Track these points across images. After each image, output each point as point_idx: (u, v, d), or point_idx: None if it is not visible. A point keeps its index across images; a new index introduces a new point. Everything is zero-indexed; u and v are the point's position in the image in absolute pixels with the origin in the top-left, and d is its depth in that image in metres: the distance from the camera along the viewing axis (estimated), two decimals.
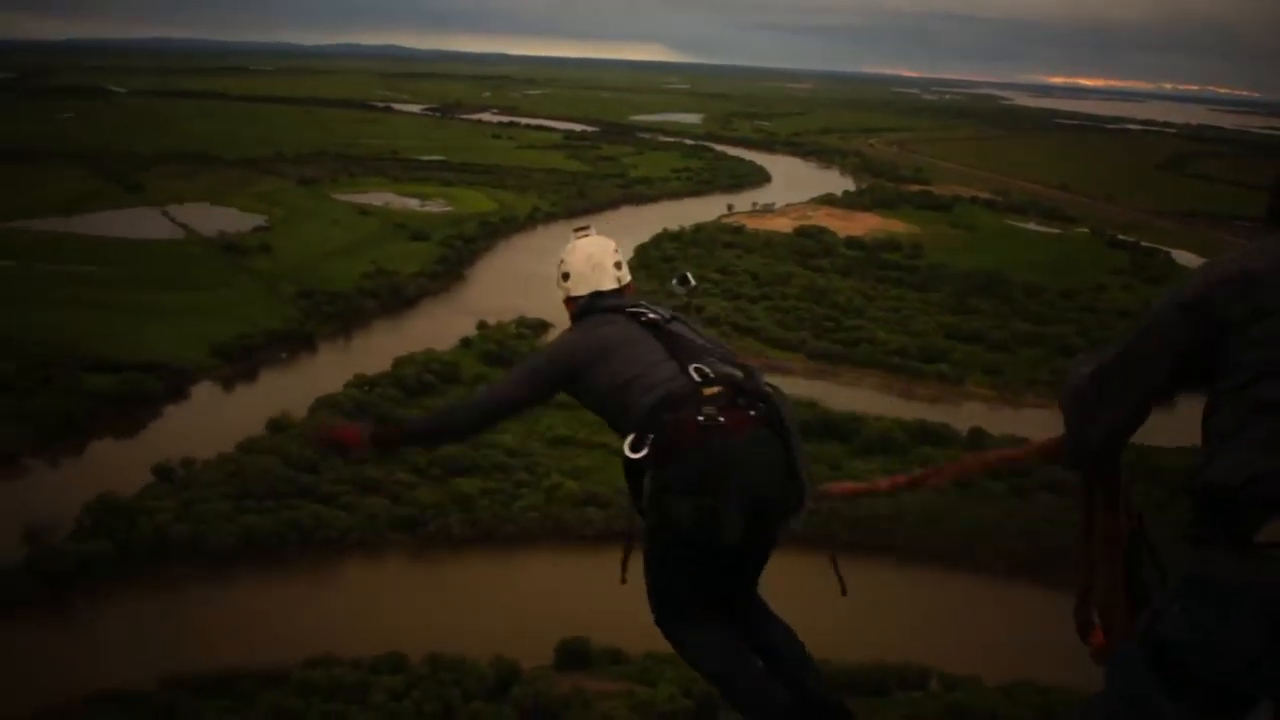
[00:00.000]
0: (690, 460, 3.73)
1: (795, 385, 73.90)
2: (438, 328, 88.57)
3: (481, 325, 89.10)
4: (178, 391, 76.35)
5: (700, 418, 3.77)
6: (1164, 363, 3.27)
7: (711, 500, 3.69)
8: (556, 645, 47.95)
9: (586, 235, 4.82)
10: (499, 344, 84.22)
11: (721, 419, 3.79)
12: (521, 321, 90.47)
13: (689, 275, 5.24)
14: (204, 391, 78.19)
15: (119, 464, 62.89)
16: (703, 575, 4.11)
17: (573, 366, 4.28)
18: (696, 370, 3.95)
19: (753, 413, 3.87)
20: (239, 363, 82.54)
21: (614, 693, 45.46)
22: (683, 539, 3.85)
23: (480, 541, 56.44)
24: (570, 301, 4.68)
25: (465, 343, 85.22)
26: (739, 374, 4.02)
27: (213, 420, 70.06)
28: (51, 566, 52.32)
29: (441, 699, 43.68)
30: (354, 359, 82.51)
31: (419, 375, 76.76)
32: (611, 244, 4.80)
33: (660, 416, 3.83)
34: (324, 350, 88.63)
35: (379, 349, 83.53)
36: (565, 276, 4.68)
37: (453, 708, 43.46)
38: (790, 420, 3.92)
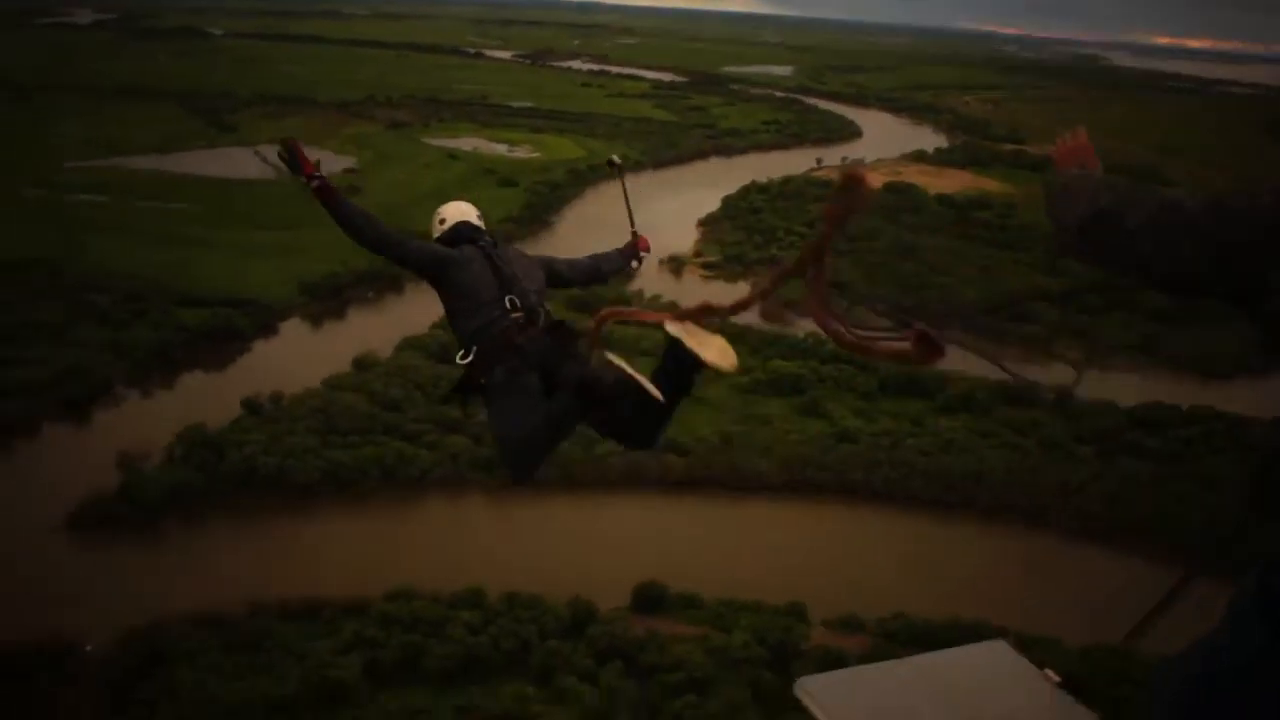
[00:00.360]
0: (502, 351, 5.96)
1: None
2: None
3: None
4: (267, 327, 77.65)
5: (506, 327, 6.04)
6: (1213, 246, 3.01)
7: (514, 365, 5.92)
8: (633, 588, 48.25)
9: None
10: (584, 290, 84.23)
11: (520, 326, 6.07)
12: None
13: (616, 158, 8.38)
14: (293, 328, 79.40)
15: (209, 396, 64.14)
16: (529, 405, 5.85)
17: (445, 264, 6.40)
18: (509, 300, 6.13)
19: (539, 323, 6.18)
20: (327, 301, 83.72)
21: (689, 636, 45.67)
22: (506, 389, 5.88)
23: (560, 484, 56.78)
24: (442, 238, 6.76)
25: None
26: (533, 298, 6.31)
27: (300, 357, 71.11)
28: (144, 494, 53.69)
29: (518, 636, 44.24)
30: (440, 301, 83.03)
31: None
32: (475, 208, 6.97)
33: (481, 336, 6.02)
34: (410, 291, 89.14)
35: None
36: (441, 221, 6.84)
37: (529, 645, 43.99)
38: (551, 321, 6.14)
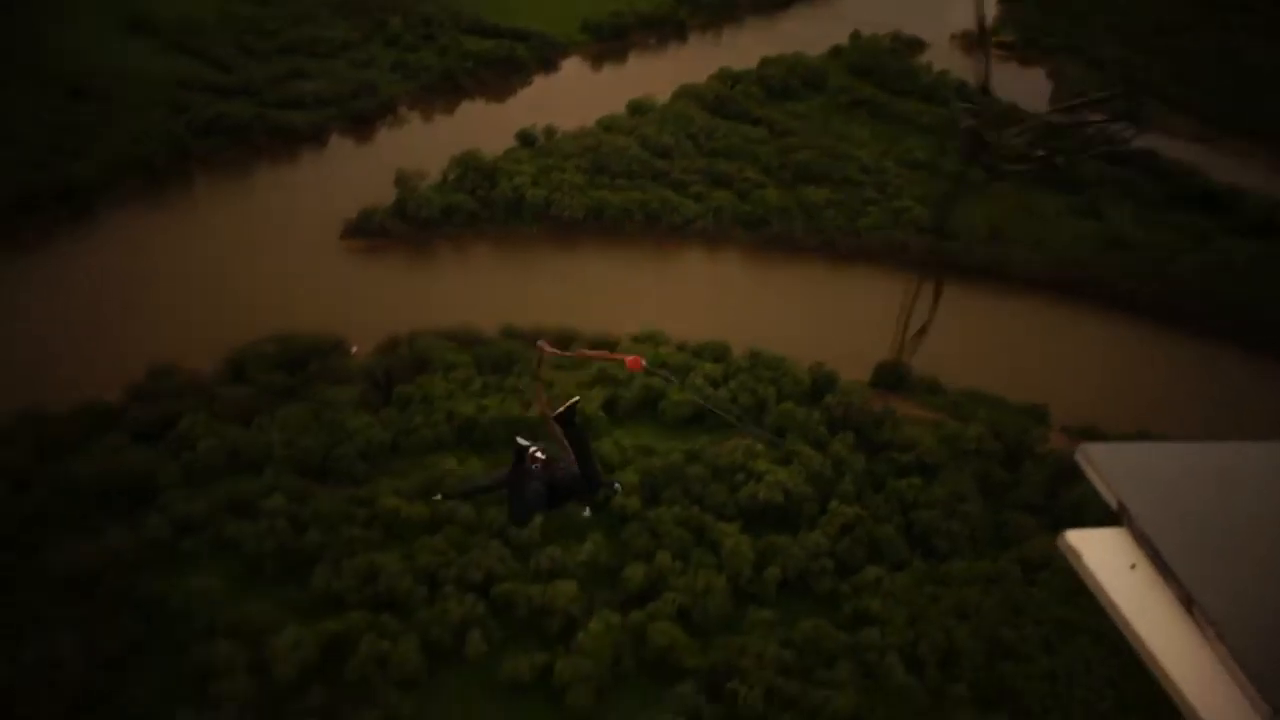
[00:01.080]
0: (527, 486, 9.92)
1: (1174, 148, 68.49)
2: (810, 33, 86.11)
3: (854, 36, 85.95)
4: (547, 62, 78.20)
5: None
6: None
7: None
8: (875, 364, 47.95)
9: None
10: (870, 57, 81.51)
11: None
12: (897, 37, 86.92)
13: (617, 484, 21.76)
14: (572, 66, 79.69)
15: (486, 125, 65.64)
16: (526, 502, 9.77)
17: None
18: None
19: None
20: (609, 42, 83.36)
21: (924, 420, 45.35)
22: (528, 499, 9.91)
23: (819, 250, 56.25)
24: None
25: (835, 51, 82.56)
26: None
27: (577, 95, 71.55)
28: (417, 211, 55.97)
29: (755, 394, 44.74)
30: (722, 53, 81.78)
31: (784, 78, 75.49)
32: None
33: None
34: (693, 41, 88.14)
35: (748, 46, 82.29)
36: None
37: (765, 403, 44.48)
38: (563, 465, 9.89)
